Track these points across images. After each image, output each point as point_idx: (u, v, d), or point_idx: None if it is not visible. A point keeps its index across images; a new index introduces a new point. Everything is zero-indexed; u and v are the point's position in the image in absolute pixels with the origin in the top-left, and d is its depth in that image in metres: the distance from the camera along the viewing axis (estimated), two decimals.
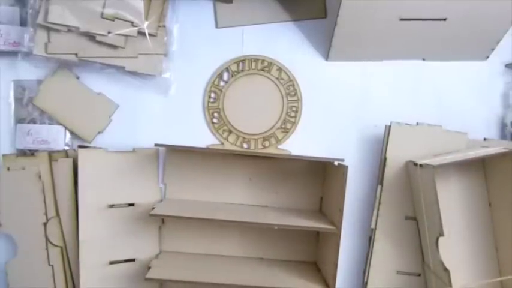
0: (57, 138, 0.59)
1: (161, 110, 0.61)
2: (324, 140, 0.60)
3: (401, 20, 0.53)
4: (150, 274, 0.52)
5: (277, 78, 0.61)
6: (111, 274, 0.56)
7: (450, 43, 0.57)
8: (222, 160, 0.59)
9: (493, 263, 0.53)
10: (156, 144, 0.54)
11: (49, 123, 0.59)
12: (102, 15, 0.56)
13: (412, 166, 0.53)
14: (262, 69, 0.61)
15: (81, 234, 0.55)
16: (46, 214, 0.56)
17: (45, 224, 0.56)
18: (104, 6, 0.55)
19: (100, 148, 0.58)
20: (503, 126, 0.60)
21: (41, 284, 0.56)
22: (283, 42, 0.61)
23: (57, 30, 0.56)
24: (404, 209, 0.55)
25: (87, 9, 0.55)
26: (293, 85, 0.61)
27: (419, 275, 0.54)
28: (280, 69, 0.61)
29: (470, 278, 0.53)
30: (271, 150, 0.60)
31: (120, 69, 0.58)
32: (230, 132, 0.61)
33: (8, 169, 0.56)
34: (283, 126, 0.61)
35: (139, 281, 0.56)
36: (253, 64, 0.61)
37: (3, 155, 0.57)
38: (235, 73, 0.61)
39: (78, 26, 0.55)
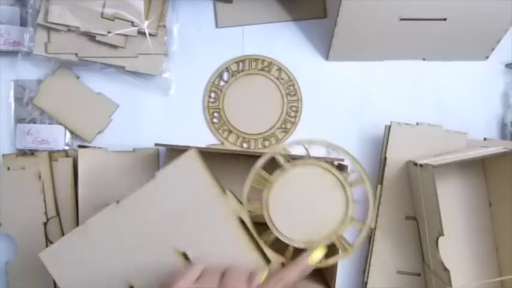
0: (57, 138, 0.59)
1: (161, 110, 0.61)
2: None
3: (401, 20, 0.53)
4: None
5: (277, 78, 0.61)
6: None
7: (450, 43, 0.57)
8: (222, 160, 0.59)
9: (493, 263, 0.53)
10: (156, 144, 0.54)
11: (49, 123, 0.59)
12: (102, 15, 0.56)
13: (412, 166, 0.53)
14: (262, 69, 0.61)
15: None
16: (46, 214, 0.56)
17: (45, 224, 0.56)
18: (104, 6, 0.55)
19: (100, 148, 0.58)
20: (503, 126, 0.60)
21: (41, 284, 0.56)
22: (283, 42, 0.61)
23: (57, 30, 0.56)
24: (404, 209, 0.55)
25: (87, 9, 0.55)
26: (293, 85, 0.61)
27: (419, 274, 0.54)
28: (280, 69, 0.61)
29: (470, 278, 0.53)
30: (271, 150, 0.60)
31: (120, 69, 0.58)
32: (230, 132, 0.61)
33: (8, 169, 0.56)
34: (283, 126, 0.61)
35: None
36: (253, 64, 0.61)
37: (3, 155, 0.57)
38: (235, 73, 0.61)
39: (78, 26, 0.55)
